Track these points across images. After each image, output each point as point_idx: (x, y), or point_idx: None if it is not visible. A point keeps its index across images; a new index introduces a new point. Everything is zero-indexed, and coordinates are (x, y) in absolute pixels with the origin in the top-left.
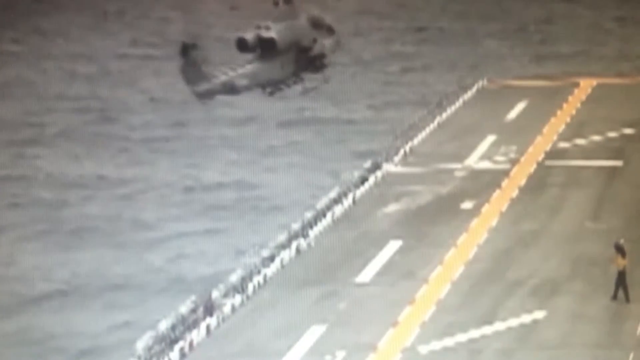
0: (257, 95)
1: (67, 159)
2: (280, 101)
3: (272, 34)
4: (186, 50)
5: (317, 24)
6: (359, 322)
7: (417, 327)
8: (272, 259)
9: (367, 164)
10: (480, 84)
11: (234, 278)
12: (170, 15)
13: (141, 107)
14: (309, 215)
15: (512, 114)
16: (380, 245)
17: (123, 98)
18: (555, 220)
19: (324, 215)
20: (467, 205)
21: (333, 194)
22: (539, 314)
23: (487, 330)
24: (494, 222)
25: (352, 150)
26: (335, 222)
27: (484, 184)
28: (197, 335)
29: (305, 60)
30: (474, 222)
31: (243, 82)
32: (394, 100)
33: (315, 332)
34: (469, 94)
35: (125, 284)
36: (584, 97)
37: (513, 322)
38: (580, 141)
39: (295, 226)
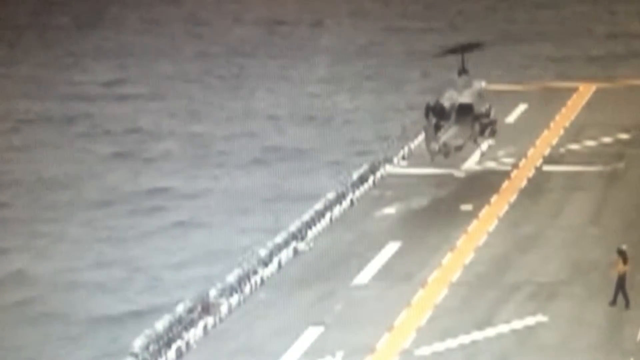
0: None
1: None
2: None
3: (468, 99)
4: (429, 112)
5: (480, 92)
6: (356, 324)
7: (414, 330)
8: (269, 259)
9: (366, 165)
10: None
11: (231, 278)
12: None
13: None
14: (306, 216)
15: (511, 118)
16: (378, 247)
17: None
18: (554, 224)
19: (322, 217)
20: (466, 208)
21: (331, 195)
22: (538, 319)
23: (484, 334)
24: (492, 226)
25: None
26: (333, 223)
27: (483, 187)
28: (194, 335)
29: (480, 125)
30: (473, 225)
31: (458, 143)
32: None
33: (312, 333)
34: None
35: None
36: (583, 102)
37: (511, 326)
38: (580, 145)
39: (293, 227)
